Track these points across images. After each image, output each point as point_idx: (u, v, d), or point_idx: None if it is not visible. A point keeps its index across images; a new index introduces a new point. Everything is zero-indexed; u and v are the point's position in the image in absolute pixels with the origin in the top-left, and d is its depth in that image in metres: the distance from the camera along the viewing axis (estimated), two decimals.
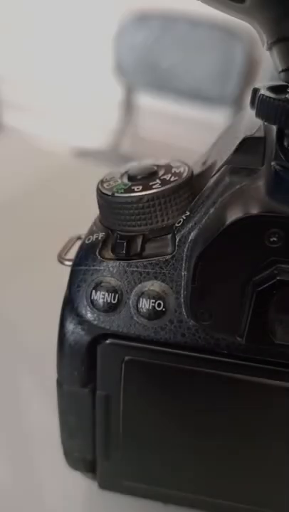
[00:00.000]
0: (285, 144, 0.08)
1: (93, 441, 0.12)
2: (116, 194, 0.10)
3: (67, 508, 0.14)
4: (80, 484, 0.14)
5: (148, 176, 0.10)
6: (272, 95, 0.08)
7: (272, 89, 0.09)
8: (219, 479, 0.12)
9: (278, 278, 0.08)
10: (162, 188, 0.10)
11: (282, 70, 0.09)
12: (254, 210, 0.08)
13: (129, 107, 1.36)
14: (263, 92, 0.09)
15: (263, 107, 0.08)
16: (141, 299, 0.10)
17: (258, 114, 0.09)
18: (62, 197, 0.27)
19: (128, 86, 1.29)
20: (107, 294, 0.10)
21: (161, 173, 0.10)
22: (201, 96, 1.13)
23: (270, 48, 0.09)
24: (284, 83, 0.09)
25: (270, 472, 0.11)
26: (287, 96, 0.08)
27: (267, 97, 0.08)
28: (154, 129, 1.31)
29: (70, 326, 0.10)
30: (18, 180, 0.29)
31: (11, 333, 0.19)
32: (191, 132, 1.20)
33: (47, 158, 0.35)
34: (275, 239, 0.08)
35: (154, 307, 0.09)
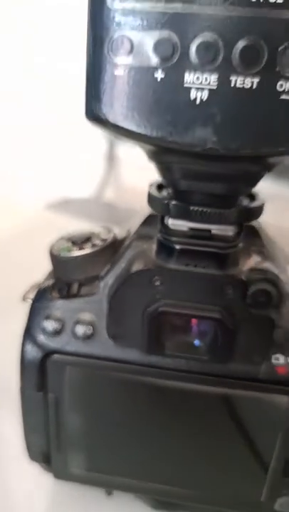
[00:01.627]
0: (165, 222, 0.13)
1: (47, 436, 0.16)
2: (61, 254, 0.14)
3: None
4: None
5: (84, 241, 0.15)
6: (155, 193, 0.13)
7: (159, 186, 0.14)
8: (146, 464, 0.16)
9: (161, 309, 0.13)
10: (92, 250, 0.14)
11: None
12: (146, 266, 0.13)
13: (111, 157, 1.43)
14: (151, 190, 0.13)
15: (150, 200, 0.13)
16: (77, 325, 0.14)
17: (149, 205, 0.13)
18: (33, 248, 0.32)
19: (111, 139, 1.36)
20: (54, 323, 0.14)
21: (93, 238, 0.15)
22: None
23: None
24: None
25: (173, 453, 0.15)
26: (164, 193, 0.13)
27: (152, 194, 0.13)
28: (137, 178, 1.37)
29: (28, 346, 0.14)
30: None
31: None
32: None
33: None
34: (158, 283, 0.13)
35: (85, 331, 0.14)
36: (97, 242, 0.15)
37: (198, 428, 0.14)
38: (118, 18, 0.10)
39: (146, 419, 0.15)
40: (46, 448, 0.16)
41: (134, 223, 0.15)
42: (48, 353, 0.14)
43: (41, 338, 0.14)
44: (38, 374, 0.14)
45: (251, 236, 0.14)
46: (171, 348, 0.13)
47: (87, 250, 0.14)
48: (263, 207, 0.13)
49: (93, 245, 0.15)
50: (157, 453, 0.15)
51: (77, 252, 0.14)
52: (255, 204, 0.13)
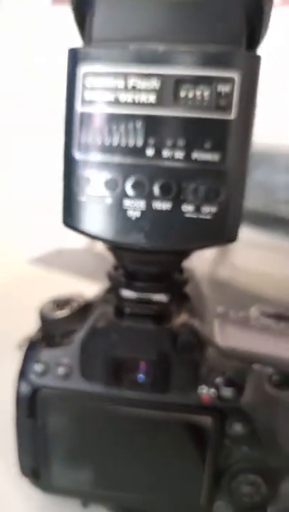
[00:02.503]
0: (119, 292, 0.18)
1: (36, 455, 0.20)
2: (47, 315, 0.20)
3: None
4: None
5: (65, 304, 0.20)
6: (112, 272, 0.19)
7: (115, 267, 0.19)
8: (111, 476, 0.20)
9: (117, 355, 0.18)
10: (69, 312, 0.20)
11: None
12: (106, 324, 0.18)
13: None
14: (110, 270, 0.19)
15: (108, 277, 0.19)
16: (59, 367, 0.19)
17: (108, 280, 0.19)
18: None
19: None
20: (41, 365, 0.19)
21: (71, 301, 0.20)
22: None
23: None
24: None
25: (131, 466, 0.20)
26: (119, 272, 0.19)
27: (110, 273, 0.19)
28: None
29: (22, 383, 0.19)
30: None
31: None
32: None
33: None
34: (114, 336, 0.18)
35: (65, 371, 0.19)
36: (74, 304, 0.20)
37: (149, 445, 0.19)
38: (80, 164, 0.16)
39: (110, 439, 0.20)
40: (35, 465, 0.20)
41: (103, 289, 0.21)
42: (36, 388, 0.19)
43: (32, 377, 0.19)
44: (29, 404, 0.19)
45: (183, 299, 0.19)
46: (125, 383, 0.18)
47: (66, 311, 0.20)
48: (188, 280, 0.19)
49: (71, 307, 0.20)
50: (119, 466, 0.20)
51: (59, 313, 0.20)
52: (181, 278, 0.19)
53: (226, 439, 0.19)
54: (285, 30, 1.06)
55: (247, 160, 0.16)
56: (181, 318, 0.18)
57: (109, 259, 0.19)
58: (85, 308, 0.20)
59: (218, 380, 0.18)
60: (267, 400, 0.18)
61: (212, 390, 0.18)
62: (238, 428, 0.18)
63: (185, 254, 0.17)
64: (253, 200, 1.12)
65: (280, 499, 0.20)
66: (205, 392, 0.18)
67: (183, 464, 0.19)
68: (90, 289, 0.22)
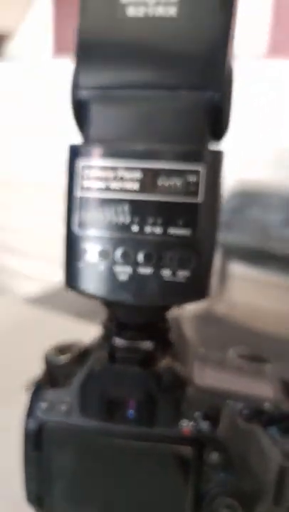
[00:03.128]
0: (111, 340, 0.22)
1: (41, 485, 0.23)
2: (50, 360, 0.23)
3: None
4: None
5: (66, 350, 0.24)
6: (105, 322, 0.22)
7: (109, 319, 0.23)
8: (106, 506, 0.23)
9: (110, 394, 0.21)
10: (70, 357, 0.23)
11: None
12: (100, 367, 0.22)
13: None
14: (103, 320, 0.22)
15: (102, 327, 0.22)
16: (61, 405, 0.22)
17: (102, 330, 0.22)
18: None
19: None
20: (46, 403, 0.22)
21: (72, 347, 0.24)
22: None
23: None
24: None
25: (126, 494, 0.22)
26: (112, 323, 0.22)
27: (103, 322, 0.22)
28: None
29: (29, 420, 0.22)
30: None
31: None
32: None
33: None
34: (107, 378, 0.21)
35: (66, 408, 0.22)
36: (75, 350, 0.23)
37: (138, 473, 0.22)
38: (79, 238, 0.20)
39: (104, 469, 0.22)
40: (39, 494, 0.23)
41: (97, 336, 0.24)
42: (42, 424, 0.22)
43: (38, 413, 0.22)
44: (36, 438, 0.22)
45: (167, 345, 0.23)
46: (117, 418, 0.21)
47: (67, 357, 0.23)
48: (170, 329, 0.22)
49: (72, 353, 0.23)
50: (113, 494, 0.23)
51: (61, 358, 0.23)
52: (165, 327, 0.22)
53: (204, 466, 0.22)
54: (271, 82, 1.14)
55: (214, 233, 0.20)
56: (165, 362, 0.22)
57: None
58: (84, 354, 0.23)
59: (197, 414, 0.21)
60: (238, 431, 0.22)
61: (191, 424, 0.21)
62: (214, 457, 0.21)
63: (166, 308, 0.21)
64: (247, 237, 1.16)
65: None
66: (185, 425, 0.21)
67: (169, 489, 0.22)
68: (88, 329, 0.26)
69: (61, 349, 0.24)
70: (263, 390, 0.23)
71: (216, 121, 0.19)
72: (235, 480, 0.22)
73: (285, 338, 1.07)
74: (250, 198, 1.11)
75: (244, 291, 1.19)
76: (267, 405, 0.22)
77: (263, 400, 0.22)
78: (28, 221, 1.52)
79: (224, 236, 1.14)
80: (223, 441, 0.21)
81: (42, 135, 1.41)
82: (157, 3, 0.19)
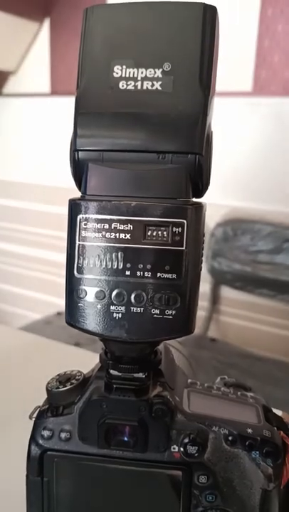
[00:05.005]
0: (108, 370, 0.24)
1: (43, 509, 0.25)
2: (52, 390, 0.25)
3: None
4: None
5: (66, 381, 0.26)
6: (103, 355, 0.24)
7: (105, 352, 0.25)
8: None
9: (106, 422, 0.23)
10: (70, 387, 0.25)
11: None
12: (98, 396, 0.24)
13: None
14: (101, 354, 0.25)
15: (100, 360, 0.25)
16: (61, 433, 0.24)
17: (100, 362, 0.25)
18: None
19: None
20: (48, 432, 0.24)
21: (72, 378, 0.26)
22: None
23: None
24: None
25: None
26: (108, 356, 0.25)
27: (101, 356, 0.25)
28: None
29: (32, 446, 0.24)
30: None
31: None
32: None
33: None
34: (105, 406, 0.23)
35: (66, 436, 0.24)
36: (74, 381, 0.26)
37: (134, 495, 0.24)
38: (78, 281, 0.22)
39: (103, 492, 0.24)
40: None
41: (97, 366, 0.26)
42: (44, 451, 0.24)
43: (40, 441, 0.24)
44: (38, 464, 0.24)
45: (158, 375, 0.25)
46: (114, 444, 0.24)
47: (67, 387, 0.25)
48: (161, 360, 0.25)
49: (71, 383, 0.25)
50: None
51: (61, 389, 0.25)
52: (156, 359, 0.24)
53: (194, 489, 0.24)
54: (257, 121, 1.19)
55: (197, 275, 0.22)
56: (156, 391, 0.24)
57: None
58: (83, 383, 0.25)
59: (185, 440, 0.23)
60: (224, 455, 0.24)
61: (181, 449, 0.23)
62: (203, 479, 0.23)
63: (156, 343, 0.23)
64: (238, 263, 1.19)
65: None
66: (176, 450, 0.23)
67: (163, 510, 0.24)
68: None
69: (61, 380, 0.26)
70: (247, 416, 0.25)
71: (198, 180, 0.22)
72: (221, 502, 0.24)
73: (272, 359, 1.09)
74: (243, 226, 1.14)
75: (236, 314, 1.21)
76: (249, 431, 0.24)
77: (247, 425, 0.24)
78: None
79: (216, 262, 1.17)
80: (210, 465, 0.23)
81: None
82: (144, 78, 0.22)
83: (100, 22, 0.23)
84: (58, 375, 0.27)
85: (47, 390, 0.26)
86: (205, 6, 0.22)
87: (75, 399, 0.25)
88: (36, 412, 0.25)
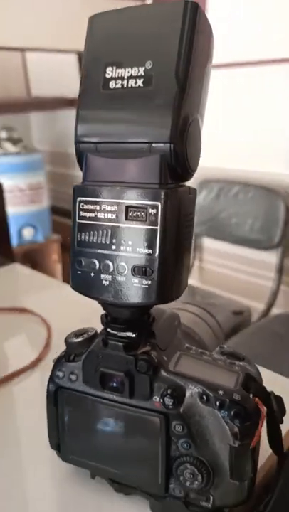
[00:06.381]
0: (107, 329, 0.29)
1: (58, 434, 0.31)
2: (69, 340, 0.31)
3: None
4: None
5: (81, 334, 0.31)
6: (103, 317, 0.29)
7: (105, 315, 0.30)
8: (103, 453, 0.30)
9: (101, 370, 0.28)
10: (82, 339, 0.30)
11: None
12: (96, 349, 0.29)
13: (196, 247, 1.62)
14: (102, 316, 0.29)
15: (101, 320, 0.29)
16: (70, 375, 0.30)
17: (101, 323, 0.29)
18: None
19: (194, 232, 1.57)
20: (61, 373, 0.30)
21: (85, 333, 0.31)
22: (251, 240, 1.35)
23: None
24: None
25: (113, 446, 0.29)
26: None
27: (102, 317, 0.29)
28: (215, 264, 1.54)
29: (50, 384, 0.30)
30: None
31: None
32: (245, 267, 1.42)
33: None
34: (100, 357, 0.28)
35: (74, 378, 0.30)
36: (86, 335, 0.31)
37: (122, 432, 0.29)
38: (77, 253, 0.27)
39: (99, 426, 0.29)
40: (57, 440, 0.31)
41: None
42: (58, 387, 0.30)
43: (56, 380, 0.30)
44: (53, 397, 0.30)
45: (150, 336, 0.29)
46: (107, 388, 0.28)
47: (80, 339, 0.31)
48: (152, 322, 0.28)
49: (83, 337, 0.31)
50: (105, 447, 0.30)
51: (75, 340, 0.31)
52: (147, 321, 0.28)
53: (172, 435, 0.27)
54: None
55: (171, 251, 0.25)
56: (144, 349, 0.28)
57: None
58: (92, 338, 0.30)
59: (164, 393, 0.27)
60: (198, 411, 0.27)
61: (161, 400, 0.27)
62: (178, 428, 0.27)
63: (139, 307, 0.27)
64: None
65: (218, 486, 0.27)
66: (157, 400, 0.27)
67: (146, 450, 0.28)
68: None
69: (77, 333, 0.31)
70: (225, 380, 0.27)
71: (177, 166, 0.25)
72: (194, 451, 0.27)
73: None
74: None
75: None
76: (221, 392, 0.26)
77: (220, 387, 0.27)
78: None
79: None
80: (185, 417, 0.27)
81: None
82: (130, 77, 0.25)
83: (97, 29, 0.26)
84: (78, 329, 0.32)
85: (65, 340, 0.31)
86: (186, 2, 0.24)
87: (84, 350, 0.30)
88: (56, 357, 0.31)
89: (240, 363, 0.29)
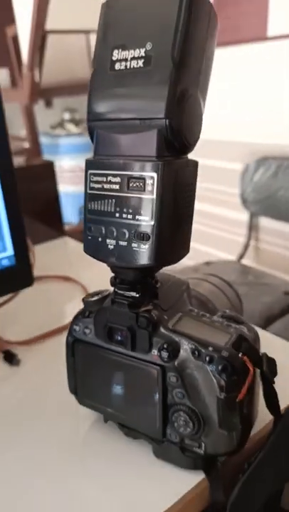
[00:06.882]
0: (115, 289, 0.32)
1: (75, 380, 0.35)
2: (85, 299, 0.35)
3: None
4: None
5: (96, 294, 0.35)
6: (112, 279, 0.32)
7: (114, 277, 0.33)
8: (111, 398, 0.34)
9: (109, 325, 0.32)
10: (96, 298, 0.34)
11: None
12: (105, 306, 0.32)
13: (252, 227, 1.61)
14: (111, 279, 0.33)
15: (111, 283, 0.33)
16: (85, 329, 0.34)
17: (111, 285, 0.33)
18: None
19: (251, 210, 1.56)
20: (78, 328, 0.34)
21: (100, 294, 0.35)
22: None
23: None
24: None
25: (119, 393, 0.33)
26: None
27: (111, 280, 0.33)
28: (272, 244, 1.52)
29: (69, 336, 0.35)
30: None
31: None
32: None
33: None
34: (109, 314, 0.32)
35: (88, 331, 0.34)
36: (100, 295, 0.35)
37: (127, 380, 0.32)
38: (88, 220, 0.30)
39: (108, 374, 0.33)
40: (75, 386, 0.36)
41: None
42: (74, 340, 0.34)
43: (73, 333, 0.34)
44: (71, 348, 0.35)
45: (153, 297, 0.32)
46: (114, 341, 0.32)
47: (95, 298, 0.34)
48: (156, 285, 0.31)
49: (98, 297, 0.34)
50: (113, 393, 0.33)
51: (91, 299, 0.34)
52: (151, 283, 0.31)
53: (168, 385, 0.30)
54: None
55: (167, 219, 0.28)
56: (146, 308, 0.31)
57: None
58: (105, 298, 0.34)
59: (162, 347, 0.30)
60: (191, 365, 0.29)
61: (158, 353, 0.30)
62: (173, 379, 0.30)
63: (141, 269, 0.30)
64: None
65: (209, 434, 0.30)
66: (155, 353, 0.30)
67: (146, 398, 0.32)
68: None
69: (94, 294, 0.35)
70: (218, 339, 0.30)
71: (174, 140, 0.27)
72: (187, 401, 0.30)
73: None
74: None
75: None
76: (210, 349, 0.29)
77: (211, 344, 0.29)
78: None
79: None
80: (180, 369, 0.30)
81: None
82: (132, 58, 0.27)
83: (106, 14, 0.29)
84: (95, 291, 0.36)
85: (82, 299, 0.35)
86: None
87: (97, 307, 0.34)
88: (75, 315, 0.36)
89: (237, 326, 0.31)
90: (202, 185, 1.67)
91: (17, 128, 2.03)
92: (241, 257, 1.61)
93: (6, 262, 0.45)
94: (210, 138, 1.56)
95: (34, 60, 1.34)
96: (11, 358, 0.46)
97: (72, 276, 0.65)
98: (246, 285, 1.33)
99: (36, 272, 0.65)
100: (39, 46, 1.30)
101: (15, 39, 1.44)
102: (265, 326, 1.19)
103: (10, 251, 0.45)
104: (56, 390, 0.41)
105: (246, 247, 1.62)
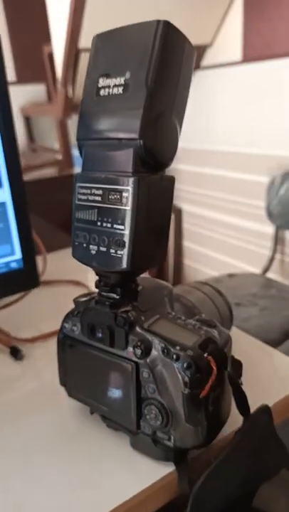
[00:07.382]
0: (98, 290, 0.35)
1: (65, 373, 0.39)
2: (76, 299, 0.38)
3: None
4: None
5: (85, 296, 0.38)
6: (96, 281, 0.36)
7: (99, 279, 0.36)
8: (94, 390, 0.37)
9: (91, 323, 0.35)
10: (86, 299, 0.37)
11: None
12: (90, 306, 0.35)
13: (278, 240, 1.61)
14: (96, 281, 0.36)
15: (95, 285, 0.36)
16: (73, 327, 0.37)
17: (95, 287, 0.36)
18: None
19: (276, 224, 1.56)
20: (67, 325, 0.38)
21: (89, 295, 0.38)
22: None
23: None
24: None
25: (102, 384, 0.36)
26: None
27: (96, 282, 0.36)
28: None
29: (59, 334, 0.38)
30: None
31: None
32: None
33: None
34: (92, 314, 0.35)
35: (76, 329, 0.37)
36: (89, 297, 0.38)
37: (106, 375, 0.35)
38: (75, 227, 0.34)
39: (90, 368, 0.36)
40: (64, 379, 0.39)
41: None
42: (64, 336, 0.38)
43: (64, 330, 0.38)
44: (62, 344, 0.38)
45: (133, 299, 0.35)
46: (96, 337, 0.35)
47: (84, 299, 0.38)
48: (136, 288, 0.34)
49: (86, 298, 0.38)
50: (95, 386, 0.37)
51: (80, 299, 0.38)
52: (130, 286, 0.34)
53: (141, 380, 0.33)
54: None
55: (141, 228, 0.31)
56: (124, 309, 0.34)
57: None
58: (93, 299, 0.37)
59: (136, 345, 0.33)
60: (160, 362, 0.32)
61: (133, 350, 0.33)
62: (146, 375, 0.33)
63: (120, 273, 0.33)
64: None
65: (177, 428, 0.33)
66: (131, 350, 0.33)
67: (122, 391, 0.34)
68: None
69: (84, 295, 0.38)
70: (187, 340, 0.32)
71: (148, 159, 0.30)
72: (157, 395, 0.33)
73: None
74: None
75: None
76: (178, 348, 0.31)
77: (178, 344, 0.32)
78: None
79: None
80: (151, 366, 0.32)
81: None
82: (114, 86, 0.31)
83: (96, 46, 0.33)
84: (85, 292, 0.39)
85: (73, 300, 0.39)
86: (157, 21, 0.29)
87: (85, 307, 0.37)
88: (67, 314, 0.39)
89: (209, 329, 0.34)
90: (228, 198, 1.69)
91: (51, 141, 2.13)
92: (266, 270, 1.61)
93: (14, 265, 0.49)
94: (236, 151, 1.58)
95: (68, 76, 1.41)
96: (16, 353, 0.50)
97: (82, 281, 0.69)
98: (268, 298, 1.33)
99: (49, 276, 0.69)
100: (72, 63, 1.37)
101: (50, 56, 1.53)
102: (284, 339, 1.18)
103: (18, 254, 0.49)
104: (50, 383, 0.45)
105: (271, 260, 1.61)
